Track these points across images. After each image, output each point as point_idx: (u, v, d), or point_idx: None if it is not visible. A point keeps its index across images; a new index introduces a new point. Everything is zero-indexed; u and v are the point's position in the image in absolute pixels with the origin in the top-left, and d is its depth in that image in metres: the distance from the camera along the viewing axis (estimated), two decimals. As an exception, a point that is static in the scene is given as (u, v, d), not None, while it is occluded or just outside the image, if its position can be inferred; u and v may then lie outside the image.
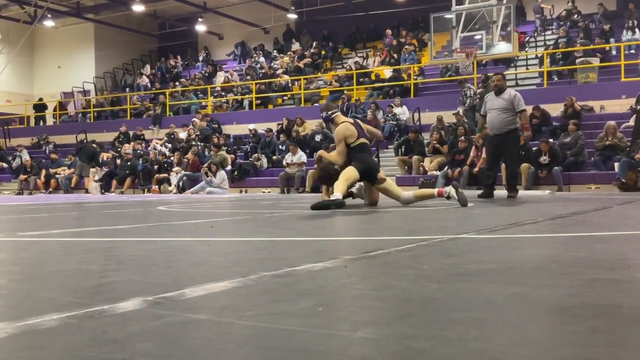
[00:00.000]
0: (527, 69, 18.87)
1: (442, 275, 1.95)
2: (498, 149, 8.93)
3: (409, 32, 22.82)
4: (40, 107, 26.47)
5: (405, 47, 20.98)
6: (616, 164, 12.32)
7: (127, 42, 29.58)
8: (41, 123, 26.23)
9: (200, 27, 27.57)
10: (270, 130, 17.89)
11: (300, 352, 1.12)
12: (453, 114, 15.71)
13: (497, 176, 13.38)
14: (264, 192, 15.85)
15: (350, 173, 6.30)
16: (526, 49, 19.86)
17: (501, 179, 13.38)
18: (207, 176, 15.70)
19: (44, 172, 19.52)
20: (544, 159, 13.00)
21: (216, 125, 20.27)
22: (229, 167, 16.70)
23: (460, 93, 16.43)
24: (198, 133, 19.22)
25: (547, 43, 20.01)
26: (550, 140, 13.56)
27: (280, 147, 17.18)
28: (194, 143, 18.26)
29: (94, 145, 19.73)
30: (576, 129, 13.49)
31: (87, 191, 18.00)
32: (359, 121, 7.20)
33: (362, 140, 6.62)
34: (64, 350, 1.14)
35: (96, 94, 27.47)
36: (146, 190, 17.26)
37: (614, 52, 17.88)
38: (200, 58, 28.11)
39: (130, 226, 4.52)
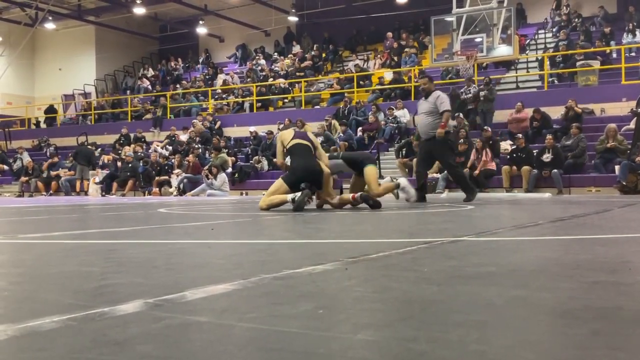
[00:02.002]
0: (528, 71, 18.88)
1: (443, 277, 1.95)
2: (429, 155, 8.39)
3: (409, 35, 22.84)
4: (50, 111, 26.54)
5: (406, 49, 21.00)
6: (617, 167, 12.33)
7: (128, 44, 29.63)
8: (42, 125, 26.29)
9: (201, 30, 27.60)
10: (271, 132, 17.90)
11: (301, 354, 1.12)
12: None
13: (496, 179, 13.50)
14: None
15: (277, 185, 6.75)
16: (526, 52, 19.87)
17: (502, 181, 13.42)
18: (208, 178, 15.70)
19: (45, 165, 19.54)
20: (547, 156, 12.99)
21: (217, 126, 20.30)
22: (229, 170, 16.71)
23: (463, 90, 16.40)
24: (198, 137, 19.24)
25: (548, 46, 20.03)
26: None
27: (280, 149, 17.16)
28: (195, 145, 18.27)
29: (90, 147, 19.75)
30: (578, 132, 13.48)
31: (86, 193, 18.01)
32: (312, 140, 6.96)
33: (295, 141, 6.75)
34: (65, 352, 1.14)
35: (97, 96, 27.51)
36: (147, 192, 17.27)
37: (614, 55, 17.89)
38: (200, 60, 28.16)
39: (131, 228, 4.52)
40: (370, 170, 6.70)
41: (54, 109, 26.55)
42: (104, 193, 17.68)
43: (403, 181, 6.84)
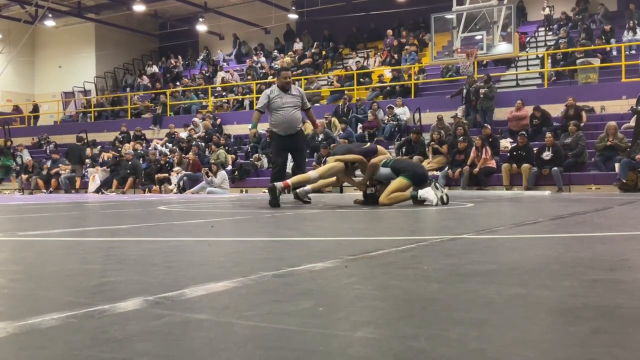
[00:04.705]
0: (528, 69, 18.86)
1: (443, 275, 1.95)
2: (290, 151, 8.08)
3: (409, 33, 22.82)
4: (35, 110, 26.79)
5: (406, 47, 20.99)
6: (617, 165, 12.31)
7: (127, 42, 29.59)
8: (34, 123, 26.45)
9: (201, 27, 27.58)
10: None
11: (301, 352, 1.12)
12: (451, 117, 15.71)
13: (496, 177, 13.49)
14: (264, 192, 15.78)
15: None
16: (527, 50, 19.85)
17: (501, 179, 13.41)
18: (208, 176, 15.70)
19: (48, 169, 19.53)
20: (547, 154, 12.97)
21: (218, 123, 20.29)
22: (229, 167, 16.70)
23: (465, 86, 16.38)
24: (203, 133, 19.20)
25: (548, 44, 20.01)
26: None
27: (280, 147, 17.15)
28: (194, 143, 18.24)
29: (78, 143, 19.67)
30: (576, 129, 13.48)
31: (86, 191, 17.99)
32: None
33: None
34: (65, 349, 1.14)
35: (97, 93, 27.49)
36: (147, 190, 17.26)
37: (614, 53, 17.87)
38: (201, 57, 28.12)
39: (131, 226, 4.52)
40: (396, 181, 6.71)
41: (37, 108, 26.83)
42: (102, 190, 17.65)
43: (422, 192, 6.69)
